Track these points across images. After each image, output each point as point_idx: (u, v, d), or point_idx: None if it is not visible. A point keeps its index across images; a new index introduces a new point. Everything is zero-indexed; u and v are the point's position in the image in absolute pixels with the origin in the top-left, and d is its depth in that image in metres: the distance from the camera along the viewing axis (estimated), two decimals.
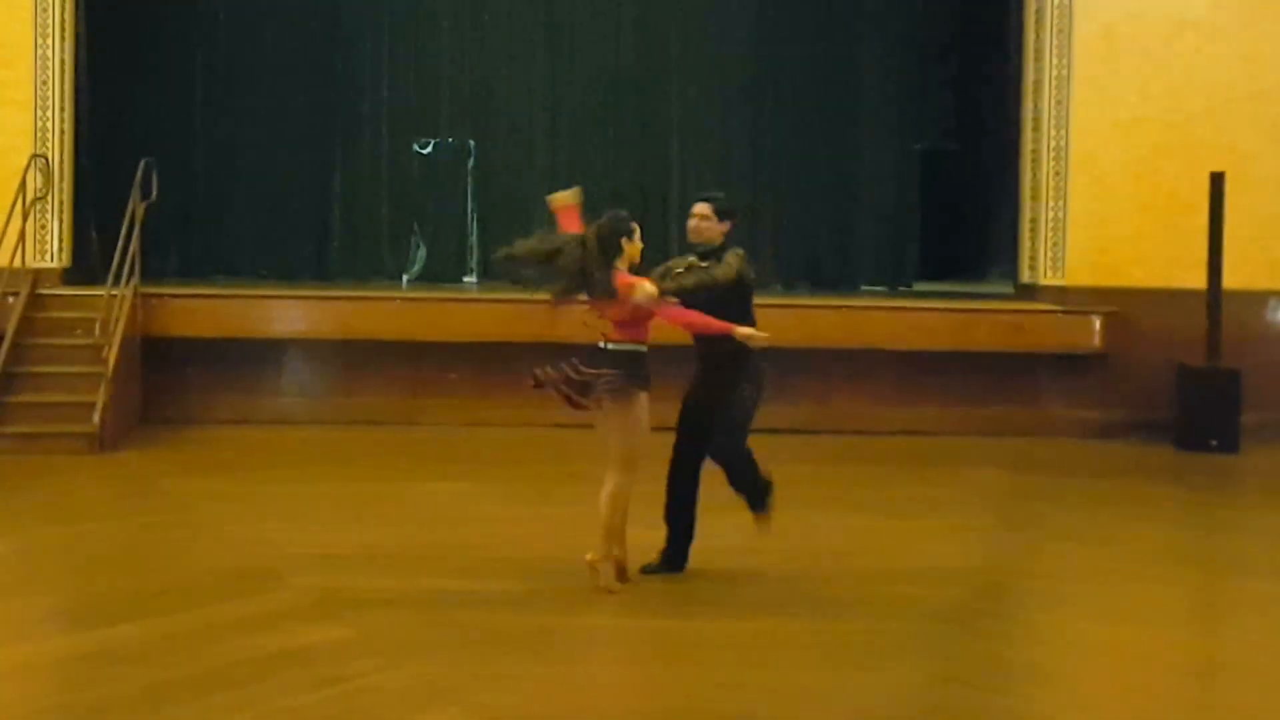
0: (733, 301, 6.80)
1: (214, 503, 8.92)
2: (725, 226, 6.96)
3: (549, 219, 15.42)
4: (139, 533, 8.25)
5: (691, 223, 6.99)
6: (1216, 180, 11.66)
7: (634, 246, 6.74)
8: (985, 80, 14.39)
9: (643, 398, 6.67)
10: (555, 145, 14.72)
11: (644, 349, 6.70)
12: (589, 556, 6.81)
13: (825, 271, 14.73)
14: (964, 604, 6.91)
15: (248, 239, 14.44)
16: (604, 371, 6.57)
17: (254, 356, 12.12)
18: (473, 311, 12.45)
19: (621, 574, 6.89)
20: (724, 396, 6.87)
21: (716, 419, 6.89)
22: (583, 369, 6.60)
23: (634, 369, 6.63)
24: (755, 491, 7.06)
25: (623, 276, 6.61)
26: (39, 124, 12.24)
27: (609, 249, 6.65)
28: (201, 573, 7.27)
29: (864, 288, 14.50)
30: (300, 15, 14.53)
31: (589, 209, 15.17)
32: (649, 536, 7.10)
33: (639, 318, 6.64)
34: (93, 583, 7.24)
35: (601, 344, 6.68)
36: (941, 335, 12.26)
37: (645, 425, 6.71)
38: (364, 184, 14.68)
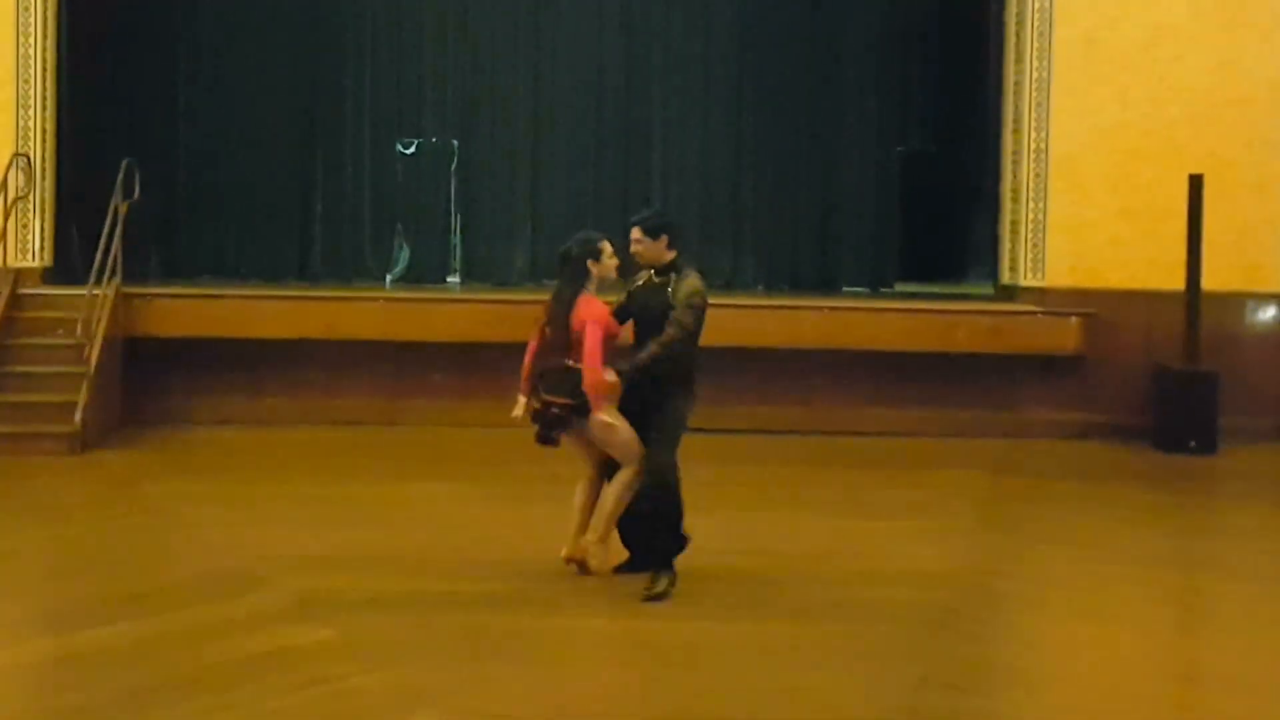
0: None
1: (196, 504, 8.92)
2: (663, 242, 6.96)
3: (531, 220, 15.54)
4: (120, 534, 8.25)
5: (632, 249, 7.02)
6: (1195, 183, 11.73)
7: (603, 266, 6.88)
8: (966, 83, 14.45)
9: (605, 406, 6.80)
10: (538, 146, 14.73)
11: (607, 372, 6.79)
12: (590, 537, 6.92)
13: (807, 273, 14.77)
14: (944, 606, 6.95)
15: (230, 239, 14.42)
16: (554, 401, 6.71)
17: (236, 357, 12.09)
18: (455, 312, 12.46)
19: (583, 568, 7.02)
20: (661, 405, 6.84)
21: (654, 431, 6.85)
22: (545, 395, 6.75)
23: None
24: (668, 547, 6.92)
25: (588, 306, 6.73)
26: (21, 123, 12.20)
27: (576, 274, 6.82)
28: (183, 574, 7.27)
29: (845, 289, 14.54)
30: (283, 14, 14.51)
31: (578, 210, 15.12)
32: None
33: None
34: (74, 585, 7.24)
35: (570, 362, 6.77)
36: (922, 337, 12.30)
37: (624, 422, 6.84)
38: (347, 184, 14.66)
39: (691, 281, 6.88)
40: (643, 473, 6.86)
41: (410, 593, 6.94)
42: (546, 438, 6.90)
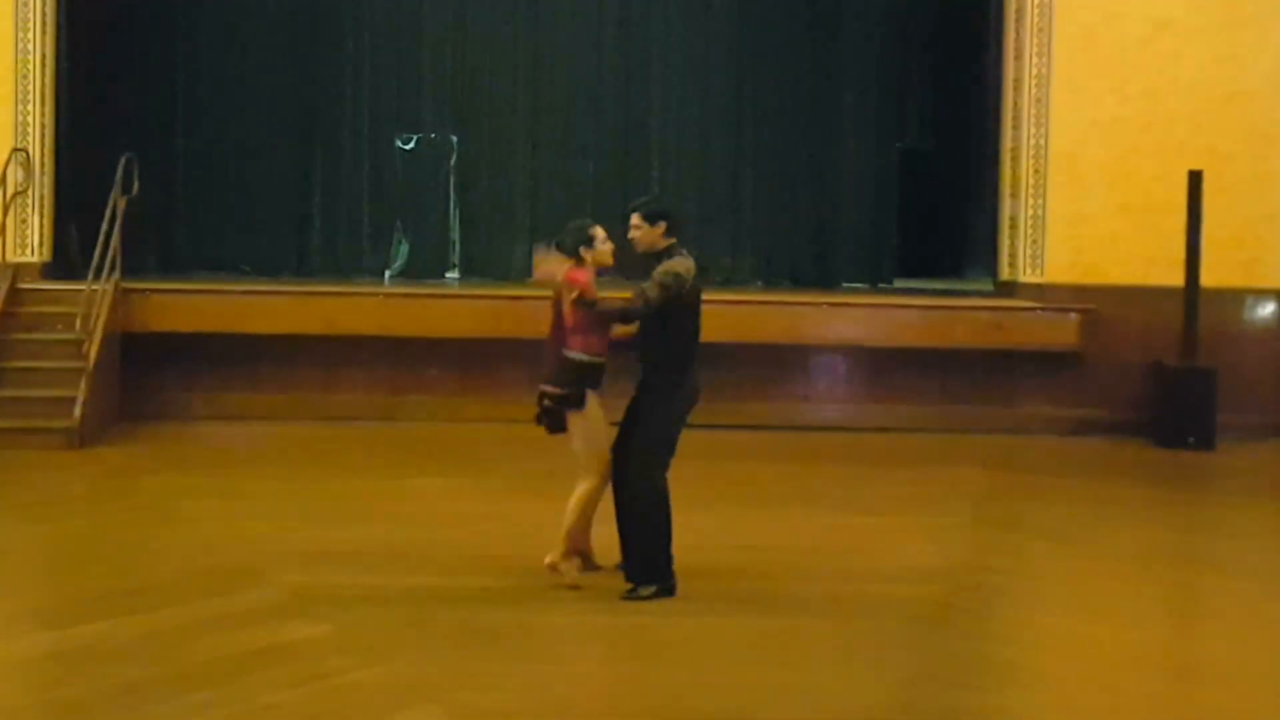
0: (671, 313, 6.74)
1: (194, 499, 8.92)
2: (660, 229, 6.85)
3: (531, 216, 15.48)
4: (118, 529, 8.26)
5: (630, 235, 6.95)
6: (1194, 179, 11.74)
7: (598, 253, 6.79)
8: (965, 79, 14.44)
9: (593, 402, 6.72)
10: (537, 143, 14.72)
11: (598, 360, 6.72)
12: (548, 559, 6.85)
13: (806, 269, 14.77)
14: (942, 602, 6.95)
15: (229, 234, 14.41)
16: (546, 392, 6.71)
17: (235, 352, 12.09)
18: (454, 308, 12.46)
19: (588, 563, 6.95)
20: (653, 405, 6.78)
21: (639, 428, 6.77)
22: (544, 386, 6.74)
23: (582, 381, 6.68)
24: (650, 560, 6.77)
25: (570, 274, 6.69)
26: (20, 118, 12.20)
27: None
28: (181, 569, 7.28)
29: (844, 285, 14.54)
30: (282, 9, 14.50)
31: (577, 206, 15.10)
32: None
33: (585, 324, 6.68)
34: (71, 579, 7.25)
35: (566, 351, 6.71)
36: (920, 333, 12.32)
37: (600, 429, 6.78)
38: (346, 180, 14.65)
39: (672, 262, 6.76)
40: (603, 487, 6.79)
41: (407, 588, 6.94)
42: (551, 427, 6.87)
